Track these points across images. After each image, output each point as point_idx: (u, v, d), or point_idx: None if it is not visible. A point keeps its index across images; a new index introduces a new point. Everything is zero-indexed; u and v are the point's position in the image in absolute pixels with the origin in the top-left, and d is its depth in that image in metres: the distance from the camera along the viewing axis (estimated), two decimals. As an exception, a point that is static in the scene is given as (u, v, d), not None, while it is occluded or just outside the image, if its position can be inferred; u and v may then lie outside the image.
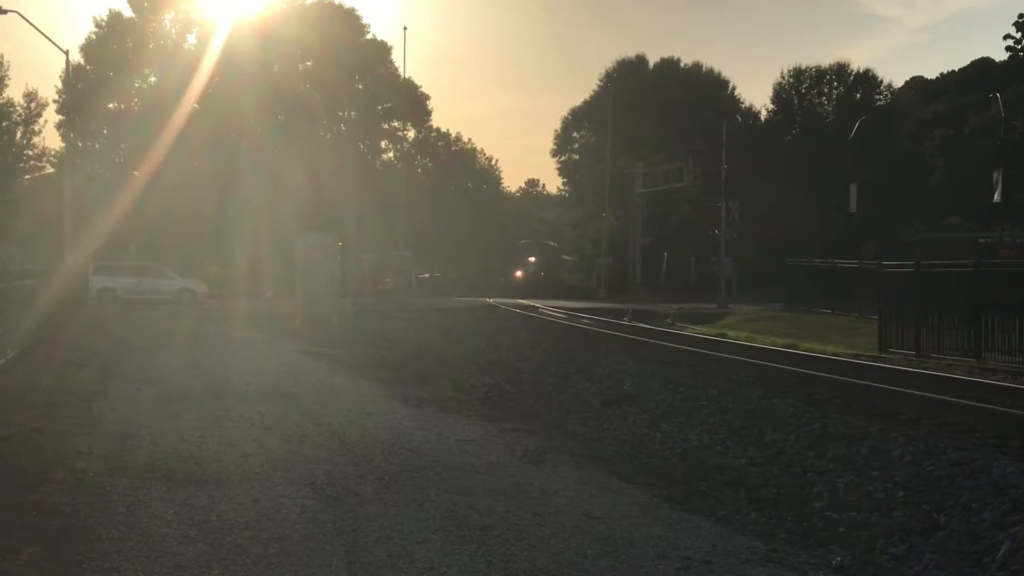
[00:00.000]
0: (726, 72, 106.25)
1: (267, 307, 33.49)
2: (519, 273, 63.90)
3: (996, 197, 42.43)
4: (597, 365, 17.74)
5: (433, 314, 34.63)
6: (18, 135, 64.63)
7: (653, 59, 79.05)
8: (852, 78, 73.20)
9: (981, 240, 42.82)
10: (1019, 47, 62.14)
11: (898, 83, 77.20)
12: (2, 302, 16.89)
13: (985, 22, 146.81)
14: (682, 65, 78.43)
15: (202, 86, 54.57)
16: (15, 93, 66.75)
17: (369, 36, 67.07)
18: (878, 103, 72.17)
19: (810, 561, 7.07)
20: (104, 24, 60.80)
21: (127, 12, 60.85)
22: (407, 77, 64.79)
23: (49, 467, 9.03)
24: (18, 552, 6.55)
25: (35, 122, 64.60)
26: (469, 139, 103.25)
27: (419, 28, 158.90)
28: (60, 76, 56.40)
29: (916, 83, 77.67)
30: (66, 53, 42.42)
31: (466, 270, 69.63)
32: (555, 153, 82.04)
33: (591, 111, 75.89)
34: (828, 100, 73.58)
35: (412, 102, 67.07)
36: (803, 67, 73.30)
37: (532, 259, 65.03)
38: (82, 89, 55.34)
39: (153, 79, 59.75)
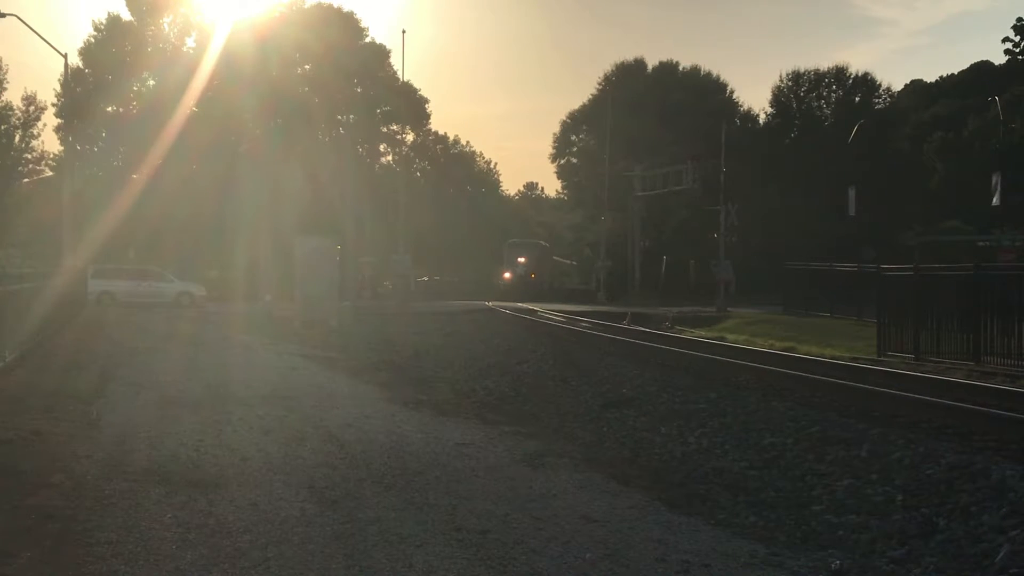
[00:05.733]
0: (725, 75, 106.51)
1: (266, 310, 33.47)
2: (507, 275, 61.32)
3: (995, 200, 42.40)
4: (596, 368, 17.74)
5: (432, 317, 34.64)
6: (17, 138, 64.59)
7: (652, 62, 79.36)
8: (851, 81, 73.31)
9: (980, 243, 42.86)
10: (1018, 50, 62.15)
11: (897, 86, 77.47)
12: (1, 305, 16.88)
13: (984, 25, 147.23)
14: (681, 68, 78.62)
15: (201, 89, 54.59)
16: (14, 96, 66.88)
17: (368, 39, 67.19)
18: (877, 106, 72.26)
19: (809, 564, 7.06)
20: (103, 27, 60.80)
21: (126, 15, 60.91)
22: (406, 80, 64.89)
23: (48, 470, 9.02)
24: (16, 555, 6.55)
25: (34, 125, 64.59)
26: (468, 142, 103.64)
27: (418, 31, 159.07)
28: (59, 79, 56.38)
29: (915, 86, 77.82)
30: (65, 56, 42.40)
31: (465, 273, 69.57)
32: (554, 156, 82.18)
33: (590, 114, 75.98)
34: (827, 103, 73.68)
35: (411, 105, 67.08)
36: (802, 70, 73.51)
37: (522, 259, 62.37)
38: (81, 92, 55.33)
39: (152, 82, 59.76)
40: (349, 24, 65.45)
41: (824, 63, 79.30)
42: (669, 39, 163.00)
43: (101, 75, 58.80)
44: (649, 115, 66.05)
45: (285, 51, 59.77)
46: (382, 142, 70.90)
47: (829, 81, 73.40)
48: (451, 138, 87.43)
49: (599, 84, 78.65)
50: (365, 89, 65.08)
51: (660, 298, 52.82)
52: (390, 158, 72.58)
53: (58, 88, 57.97)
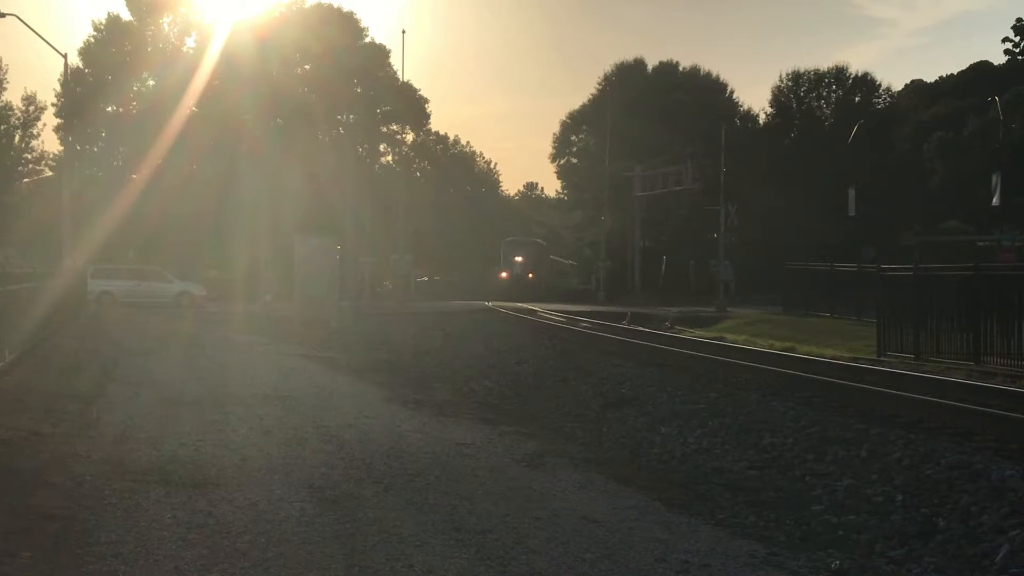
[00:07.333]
0: (724, 75, 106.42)
1: (266, 310, 33.47)
2: (504, 274, 60.76)
3: (995, 200, 42.41)
4: (596, 368, 17.74)
5: (432, 317, 34.63)
6: (17, 138, 64.69)
7: (652, 62, 79.39)
8: (851, 81, 73.31)
9: (980, 243, 42.93)
10: (1017, 50, 62.14)
11: (897, 86, 77.41)
12: (1, 305, 16.88)
13: (983, 25, 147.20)
14: (681, 68, 78.62)
15: (201, 89, 54.58)
16: (14, 96, 66.87)
17: (368, 39, 67.14)
18: (877, 106, 72.27)
19: (809, 564, 7.06)
20: (103, 27, 60.78)
21: (126, 15, 60.89)
22: (406, 80, 64.91)
23: (47, 470, 9.02)
24: (16, 555, 6.54)
25: (34, 125, 64.74)
26: (468, 142, 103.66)
27: (418, 31, 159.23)
28: (59, 79, 56.33)
29: (915, 86, 77.78)
30: (65, 56, 42.40)
31: (465, 273, 69.56)
32: (554, 156, 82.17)
33: (590, 114, 75.98)
34: (827, 103, 73.68)
35: (411, 105, 67.09)
36: (801, 70, 73.51)
37: (519, 258, 61.77)
38: (81, 92, 55.28)
39: (152, 82, 59.75)
40: (349, 24, 65.42)
41: (824, 63, 79.24)
42: (669, 39, 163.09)
43: (101, 75, 58.76)
44: (649, 115, 66.02)
45: (285, 51, 59.76)
46: (382, 142, 70.90)
47: (829, 81, 73.41)
48: (451, 138, 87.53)
49: (599, 84, 78.73)
50: (365, 89, 65.04)
51: (660, 298, 52.81)
52: (390, 158, 72.64)
53: (58, 88, 58.03)
